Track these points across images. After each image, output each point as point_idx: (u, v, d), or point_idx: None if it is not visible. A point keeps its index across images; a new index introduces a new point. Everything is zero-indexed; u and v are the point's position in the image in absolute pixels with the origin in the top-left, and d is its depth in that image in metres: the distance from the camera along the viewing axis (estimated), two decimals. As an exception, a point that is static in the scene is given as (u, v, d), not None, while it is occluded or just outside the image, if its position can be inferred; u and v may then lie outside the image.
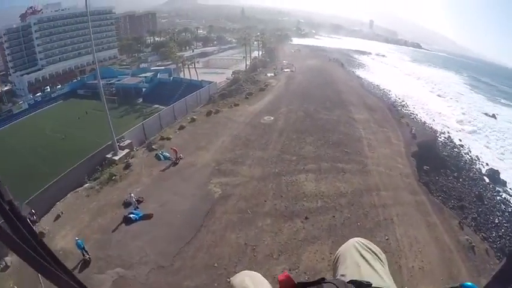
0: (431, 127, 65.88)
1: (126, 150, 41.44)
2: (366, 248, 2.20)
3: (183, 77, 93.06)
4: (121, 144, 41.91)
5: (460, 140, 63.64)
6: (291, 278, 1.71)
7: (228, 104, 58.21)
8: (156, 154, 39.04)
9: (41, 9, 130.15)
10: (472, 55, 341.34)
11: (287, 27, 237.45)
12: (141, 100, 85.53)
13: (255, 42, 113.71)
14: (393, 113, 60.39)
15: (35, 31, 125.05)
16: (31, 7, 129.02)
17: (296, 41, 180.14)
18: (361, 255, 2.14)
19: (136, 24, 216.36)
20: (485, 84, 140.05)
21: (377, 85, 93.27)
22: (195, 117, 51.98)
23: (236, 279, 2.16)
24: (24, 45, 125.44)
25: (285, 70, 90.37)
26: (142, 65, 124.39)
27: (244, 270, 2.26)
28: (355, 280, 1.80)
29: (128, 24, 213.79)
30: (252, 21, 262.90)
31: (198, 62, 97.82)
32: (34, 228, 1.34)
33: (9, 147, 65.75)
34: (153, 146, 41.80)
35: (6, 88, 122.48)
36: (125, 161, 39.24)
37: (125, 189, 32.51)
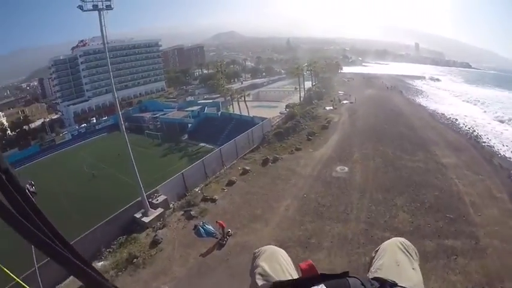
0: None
1: (160, 210, 32.47)
2: (407, 249, 2.18)
3: (232, 111, 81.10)
4: (154, 201, 33.20)
5: None
6: (314, 267, 1.68)
7: (288, 148, 46.21)
8: (196, 227, 25.85)
9: (87, 42, 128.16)
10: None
11: (334, 56, 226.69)
12: (186, 137, 74.11)
13: (306, 72, 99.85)
14: (479, 151, 45.52)
15: (81, 63, 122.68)
16: (82, 41, 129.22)
17: (345, 69, 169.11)
18: (402, 255, 2.12)
19: (184, 57, 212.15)
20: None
21: (442, 113, 76.65)
22: (247, 167, 39.89)
23: (260, 252, 2.33)
24: (72, 76, 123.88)
25: (344, 102, 79.47)
26: (189, 98, 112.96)
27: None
28: (379, 278, 1.72)
29: (176, 57, 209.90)
30: (298, 52, 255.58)
31: (248, 95, 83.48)
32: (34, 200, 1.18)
33: (43, 180, 57.58)
34: (192, 213, 30.79)
35: (56, 116, 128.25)
36: (154, 229, 29.84)
37: (148, 284, 22.51)
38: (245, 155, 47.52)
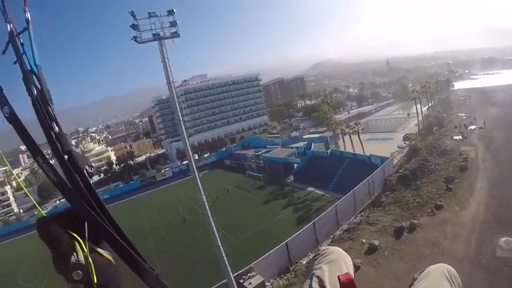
0: None
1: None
2: (452, 278, 2.05)
3: (343, 148, 69.86)
4: (246, 285, 26.05)
5: None
6: (354, 282, 1.67)
7: (425, 204, 34.27)
8: None
9: (186, 80, 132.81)
10: None
11: (438, 72, 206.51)
12: (292, 179, 64.75)
13: (420, 95, 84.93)
14: None
15: (182, 101, 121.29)
16: (185, 80, 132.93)
17: (456, 85, 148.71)
18: (446, 283, 2.00)
19: (285, 89, 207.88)
20: None
21: None
22: (375, 241, 28.63)
23: (326, 253, 2.24)
24: (173, 114, 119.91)
25: (471, 128, 64.47)
26: (294, 134, 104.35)
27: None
28: None
29: (277, 90, 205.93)
30: (399, 72, 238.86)
31: (360, 126, 71.18)
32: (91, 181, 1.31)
33: (137, 218, 58.85)
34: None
35: (161, 151, 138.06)
36: None
37: None
38: (366, 212, 38.16)
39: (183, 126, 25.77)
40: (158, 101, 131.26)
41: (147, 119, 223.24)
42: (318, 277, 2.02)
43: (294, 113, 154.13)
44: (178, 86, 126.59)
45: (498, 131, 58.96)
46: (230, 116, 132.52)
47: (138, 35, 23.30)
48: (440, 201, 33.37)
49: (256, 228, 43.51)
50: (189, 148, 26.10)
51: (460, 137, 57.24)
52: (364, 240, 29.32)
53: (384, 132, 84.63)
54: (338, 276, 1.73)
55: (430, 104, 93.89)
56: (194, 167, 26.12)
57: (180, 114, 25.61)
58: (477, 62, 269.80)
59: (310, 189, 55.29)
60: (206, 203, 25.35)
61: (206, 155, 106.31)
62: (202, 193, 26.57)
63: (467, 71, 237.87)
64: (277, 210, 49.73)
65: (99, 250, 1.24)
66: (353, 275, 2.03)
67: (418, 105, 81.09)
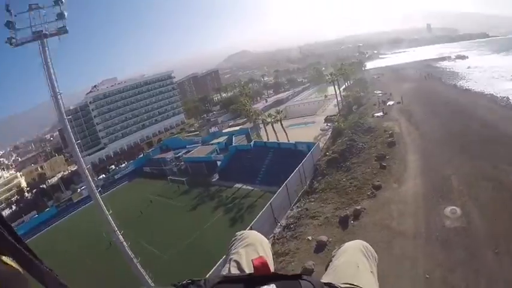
0: None
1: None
2: (368, 253, 2.18)
3: (265, 138, 65.90)
4: None
5: None
6: (268, 266, 1.62)
7: (362, 187, 32.19)
8: None
9: (96, 86, 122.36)
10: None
11: (350, 55, 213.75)
12: (216, 177, 60.21)
13: (333, 76, 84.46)
14: None
15: (92, 109, 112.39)
16: (95, 86, 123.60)
17: (368, 65, 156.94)
18: (363, 258, 2.11)
19: (200, 84, 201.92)
20: None
21: (492, 94, 64.29)
22: (323, 237, 25.06)
23: (243, 237, 2.30)
24: (85, 125, 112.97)
25: (390, 103, 65.97)
26: (213, 129, 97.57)
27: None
28: (333, 284, 1.69)
29: (192, 85, 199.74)
30: (312, 58, 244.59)
31: (282, 114, 67.51)
32: None
33: (59, 248, 51.38)
34: None
35: (76, 167, 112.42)
36: None
37: None
38: (302, 203, 35.40)
39: (76, 149, 21.52)
40: (66, 111, 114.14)
41: (57, 132, 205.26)
42: (235, 261, 2.03)
43: (210, 108, 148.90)
44: (88, 93, 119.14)
45: (415, 104, 61.25)
46: (145, 119, 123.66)
47: (14, 35, 18.43)
48: (378, 181, 31.59)
49: (189, 240, 39.49)
50: (86, 171, 21.75)
51: (381, 114, 57.32)
52: (310, 238, 26.29)
53: (305, 116, 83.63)
54: (252, 260, 1.64)
55: (346, 85, 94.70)
56: (94, 189, 21.83)
57: (71, 135, 21.12)
58: (385, 43, 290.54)
59: (238, 185, 51.75)
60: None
61: (123, 165, 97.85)
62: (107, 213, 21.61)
63: (376, 52, 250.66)
64: (207, 214, 45.78)
65: (3, 258, 1.01)
66: (270, 259, 2.16)
67: (335, 87, 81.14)
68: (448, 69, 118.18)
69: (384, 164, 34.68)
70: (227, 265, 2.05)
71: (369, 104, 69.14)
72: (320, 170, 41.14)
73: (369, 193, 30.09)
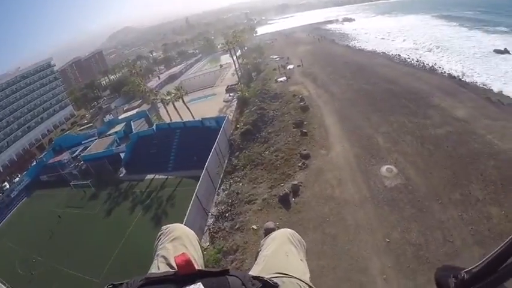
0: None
1: None
2: (296, 241, 2.21)
3: (167, 119, 59.89)
4: None
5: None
6: (192, 263, 1.54)
7: (289, 158, 30.20)
8: None
9: None
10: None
11: (238, 22, 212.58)
12: (124, 172, 51.68)
13: (230, 44, 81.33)
14: (472, 90, 38.87)
15: None
16: None
17: (259, 31, 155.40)
18: (291, 246, 2.13)
19: (84, 69, 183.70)
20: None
21: (384, 52, 72.12)
22: (270, 223, 21.92)
23: (169, 231, 2.30)
24: None
25: (290, 67, 65.31)
26: (108, 117, 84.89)
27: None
28: (262, 278, 1.61)
29: (76, 72, 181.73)
30: (199, 28, 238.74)
31: (183, 90, 59.03)
32: None
33: None
34: None
35: None
36: None
37: None
38: (226, 185, 32.74)
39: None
40: None
41: None
42: (163, 257, 2.00)
43: (100, 94, 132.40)
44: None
45: (316, 66, 61.56)
46: (29, 119, 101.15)
47: None
48: (305, 149, 30.02)
49: (115, 253, 32.88)
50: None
51: (285, 78, 56.19)
52: (255, 227, 23.46)
53: (203, 89, 79.25)
54: (174, 258, 1.58)
55: (241, 52, 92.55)
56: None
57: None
58: (273, 9, 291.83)
59: (150, 176, 45.41)
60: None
61: (17, 179, 76.92)
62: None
63: (264, 18, 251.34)
64: (125, 217, 38.68)
65: None
66: (199, 252, 2.18)
67: (225, 56, 78.69)
68: (338, 32, 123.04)
69: (305, 131, 33.24)
70: (155, 261, 2.00)
71: (268, 70, 67.57)
72: (236, 144, 38.89)
73: (299, 164, 28.40)
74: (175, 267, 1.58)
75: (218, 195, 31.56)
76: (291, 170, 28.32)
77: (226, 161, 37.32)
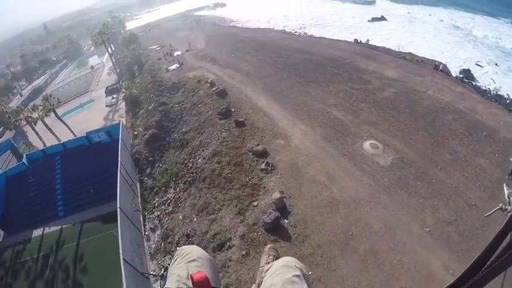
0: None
1: None
2: (300, 268, 2.17)
3: (39, 144, 41.74)
4: None
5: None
6: (208, 281, 1.72)
7: (241, 163, 20.11)
8: None
9: None
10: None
11: (102, 21, 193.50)
12: (1, 235, 32.46)
13: (102, 37, 67.41)
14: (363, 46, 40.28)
15: None
16: None
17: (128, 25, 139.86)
18: (296, 273, 2.09)
19: None
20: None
21: (273, 28, 69.30)
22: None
23: (186, 252, 2.32)
24: None
25: (178, 53, 55.44)
26: None
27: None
28: None
29: None
30: (60, 33, 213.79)
31: (54, 99, 41.95)
32: None
33: None
34: None
35: None
36: None
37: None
38: (153, 218, 22.56)
39: None
40: None
41: None
42: (179, 275, 2.04)
43: None
44: None
45: (208, 48, 53.94)
46: None
47: None
48: (257, 144, 20.91)
49: None
50: None
51: (177, 65, 45.91)
52: None
53: (76, 97, 62.25)
54: (191, 275, 1.74)
55: (113, 48, 79.31)
56: None
57: None
58: (137, 4, 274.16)
59: (38, 232, 27.75)
60: None
61: None
62: None
63: (128, 14, 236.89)
64: None
65: None
66: (215, 273, 2.22)
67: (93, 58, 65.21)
68: (213, 16, 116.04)
69: (241, 120, 24.13)
70: (170, 279, 2.04)
71: (152, 61, 56.37)
72: (143, 158, 28.38)
73: (261, 167, 19.08)
74: (191, 285, 1.76)
75: (149, 240, 21.09)
76: (254, 177, 18.93)
77: (138, 185, 26.18)
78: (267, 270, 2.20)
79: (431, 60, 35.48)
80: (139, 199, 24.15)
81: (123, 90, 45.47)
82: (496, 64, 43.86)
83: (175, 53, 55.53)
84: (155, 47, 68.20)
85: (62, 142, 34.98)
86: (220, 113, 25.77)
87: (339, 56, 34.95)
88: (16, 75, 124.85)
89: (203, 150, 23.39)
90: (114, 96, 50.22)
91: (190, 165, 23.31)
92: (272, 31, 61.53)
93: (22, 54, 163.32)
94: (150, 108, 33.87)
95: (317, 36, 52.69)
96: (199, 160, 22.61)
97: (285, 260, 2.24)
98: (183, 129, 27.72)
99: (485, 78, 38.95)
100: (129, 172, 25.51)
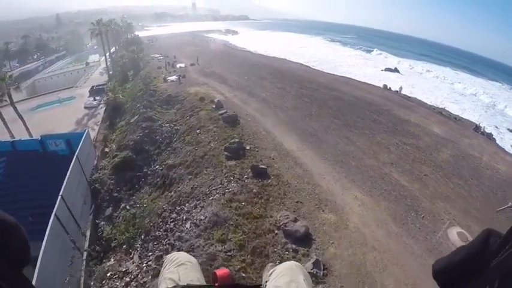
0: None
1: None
2: (304, 273, 2.14)
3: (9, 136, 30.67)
4: None
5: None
6: (230, 277, 1.72)
7: (259, 248, 10.59)
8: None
9: None
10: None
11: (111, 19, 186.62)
12: None
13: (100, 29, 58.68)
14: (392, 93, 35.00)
15: None
16: None
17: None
18: (301, 277, 2.05)
19: None
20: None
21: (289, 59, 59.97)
22: None
23: (173, 258, 2.27)
24: None
25: (180, 66, 47.14)
26: None
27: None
28: None
29: None
30: (70, 26, 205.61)
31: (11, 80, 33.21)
32: None
33: None
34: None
35: None
36: None
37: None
38: None
39: None
40: None
41: None
42: (171, 279, 2.03)
43: None
44: None
45: (216, 66, 45.35)
46: None
47: None
48: (294, 218, 11.54)
49: None
50: None
51: (176, 77, 37.22)
52: None
53: (59, 90, 51.86)
54: (214, 272, 1.76)
55: (115, 48, 70.84)
56: None
57: None
58: (150, 16, 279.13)
59: None
60: None
61: None
62: None
63: (140, 24, 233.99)
64: None
65: None
66: (198, 275, 2.16)
67: (94, 56, 56.15)
68: (225, 41, 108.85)
69: (262, 167, 15.00)
70: (163, 284, 2.01)
71: (150, 68, 47.90)
72: (105, 192, 19.33)
73: (309, 269, 9.53)
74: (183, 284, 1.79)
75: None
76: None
77: (88, 233, 16.56)
78: (270, 274, 2.11)
79: (465, 119, 31.30)
80: (84, 257, 14.63)
81: (108, 92, 36.44)
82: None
83: (178, 65, 47.39)
84: (157, 55, 60.09)
85: (11, 140, 24.91)
86: (229, 149, 16.74)
87: (373, 100, 29.03)
88: (9, 54, 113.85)
89: (196, 207, 13.57)
90: (97, 98, 41.35)
91: (172, 225, 13.74)
92: (289, 62, 53.83)
93: (24, 35, 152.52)
94: (132, 121, 25.13)
95: (343, 75, 44.74)
96: (187, 226, 12.73)
97: (289, 263, 2.19)
98: (169, 161, 18.84)
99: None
100: (77, 210, 16.15)
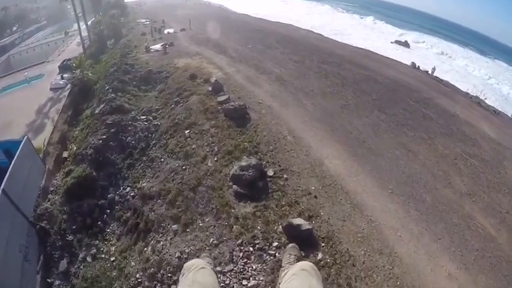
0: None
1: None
2: (317, 274, 2.23)
3: None
4: None
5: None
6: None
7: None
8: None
9: None
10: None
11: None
12: None
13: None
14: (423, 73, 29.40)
15: None
16: None
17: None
18: (314, 279, 2.12)
19: None
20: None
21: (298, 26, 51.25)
22: None
23: (192, 265, 2.40)
24: None
25: (168, 31, 39.85)
26: None
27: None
28: None
29: None
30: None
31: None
32: None
33: None
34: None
35: None
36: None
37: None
38: None
39: None
40: None
41: None
42: (189, 286, 2.17)
43: None
44: None
45: (212, 31, 36.73)
46: None
47: None
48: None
49: None
50: None
51: (161, 46, 29.57)
52: None
53: (29, 67, 43.48)
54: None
55: (98, 15, 62.95)
56: None
57: None
58: None
59: None
60: None
61: None
62: None
63: None
64: None
65: None
66: (215, 277, 2.43)
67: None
68: (221, 4, 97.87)
69: (304, 227, 7.70)
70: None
71: (133, 35, 39.93)
72: (56, 233, 12.71)
73: None
74: None
75: None
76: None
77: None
78: (284, 275, 2.21)
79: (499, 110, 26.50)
80: None
81: (74, 69, 28.71)
82: None
83: (167, 31, 40.20)
84: (144, 20, 52.82)
85: None
86: (239, 179, 9.59)
87: (409, 84, 22.49)
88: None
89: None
90: (66, 76, 33.13)
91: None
92: (297, 28, 45.88)
93: (4, 7, 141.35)
94: (97, 111, 18.12)
95: (359, 46, 36.91)
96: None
97: (303, 264, 2.25)
98: (144, 184, 12.18)
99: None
100: (14, 274, 10.06)
